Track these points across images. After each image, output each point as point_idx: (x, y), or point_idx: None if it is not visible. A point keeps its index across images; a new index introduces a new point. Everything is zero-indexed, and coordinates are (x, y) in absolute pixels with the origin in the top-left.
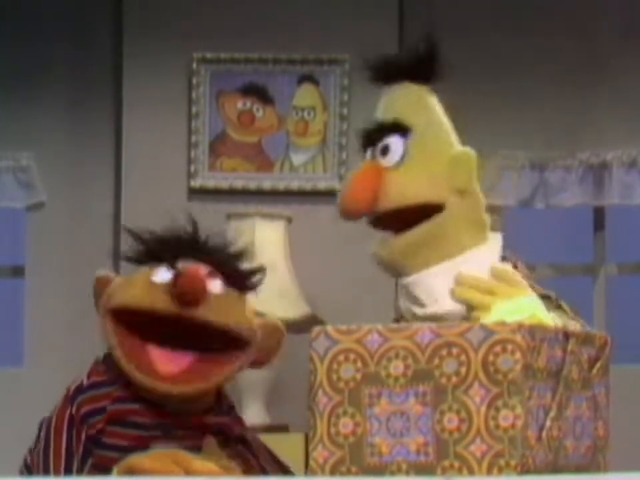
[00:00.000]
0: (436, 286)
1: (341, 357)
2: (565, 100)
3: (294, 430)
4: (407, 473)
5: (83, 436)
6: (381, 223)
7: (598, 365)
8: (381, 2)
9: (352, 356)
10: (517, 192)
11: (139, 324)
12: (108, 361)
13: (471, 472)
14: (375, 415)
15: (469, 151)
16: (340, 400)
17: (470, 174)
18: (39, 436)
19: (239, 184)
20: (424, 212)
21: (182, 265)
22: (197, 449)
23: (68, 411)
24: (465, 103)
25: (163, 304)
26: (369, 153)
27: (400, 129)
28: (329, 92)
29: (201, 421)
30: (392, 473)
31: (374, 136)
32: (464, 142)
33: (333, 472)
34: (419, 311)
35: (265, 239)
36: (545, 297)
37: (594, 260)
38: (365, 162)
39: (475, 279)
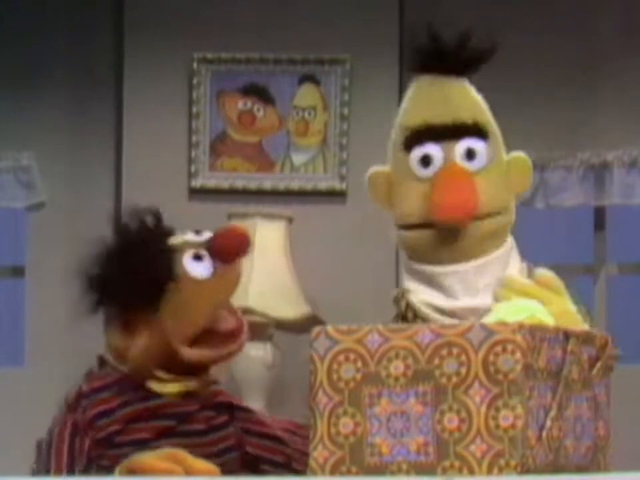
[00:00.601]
0: (481, 280)
1: (341, 357)
2: (565, 100)
3: None
4: (407, 472)
5: (88, 441)
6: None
7: (598, 364)
8: (381, 2)
9: (352, 356)
10: None
11: None
12: (102, 366)
13: (471, 472)
14: (375, 414)
15: (525, 156)
16: (340, 400)
17: (530, 179)
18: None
19: (239, 184)
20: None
21: (208, 235)
22: (215, 428)
23: (71, 419)
24: None
25: (224, 292)
26: (433, 147)
27: (481, 132)
28: (330, 92)
29: (213, 401)
30: (392, 473)
31: (446, 133)
32: None
33: (333, 472)
34: (445, 303)
35: (266, 239)
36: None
37: (594, 260)
38: (449, 164)
39: (524, 285)
